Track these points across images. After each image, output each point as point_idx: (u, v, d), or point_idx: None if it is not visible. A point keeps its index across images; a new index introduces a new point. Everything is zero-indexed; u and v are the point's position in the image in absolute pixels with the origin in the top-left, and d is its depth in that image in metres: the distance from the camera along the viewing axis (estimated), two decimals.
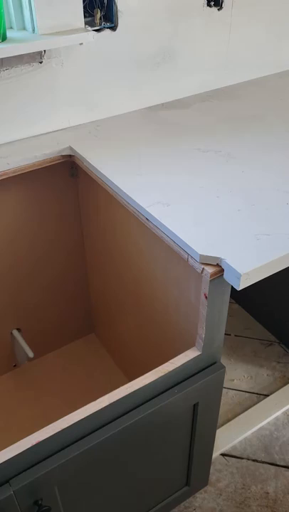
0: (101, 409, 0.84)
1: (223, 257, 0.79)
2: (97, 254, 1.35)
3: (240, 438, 1.51)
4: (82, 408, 0.85)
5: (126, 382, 1.52)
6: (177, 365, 0.90)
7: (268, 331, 1.85)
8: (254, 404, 1.60)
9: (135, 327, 1.30)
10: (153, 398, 0.91)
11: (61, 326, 1.59)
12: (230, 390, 1.65)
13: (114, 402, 0.85)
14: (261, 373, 1.71)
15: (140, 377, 0.88)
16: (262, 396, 1.63)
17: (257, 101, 1.36)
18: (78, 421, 0.83)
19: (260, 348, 1.80)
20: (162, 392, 0.92)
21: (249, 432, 1.53)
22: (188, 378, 0.94)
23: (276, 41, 1.48)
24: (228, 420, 1.55)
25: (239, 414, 1.57)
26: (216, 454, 1.47)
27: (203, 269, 0.81)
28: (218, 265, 0.80)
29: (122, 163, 1.07)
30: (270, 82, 1.48)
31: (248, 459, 1.47)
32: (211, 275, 0.80)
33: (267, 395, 1.63)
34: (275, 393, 1.63)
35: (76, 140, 1.17)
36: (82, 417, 0.83)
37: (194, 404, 0.99)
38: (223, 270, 0.80)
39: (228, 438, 1.50)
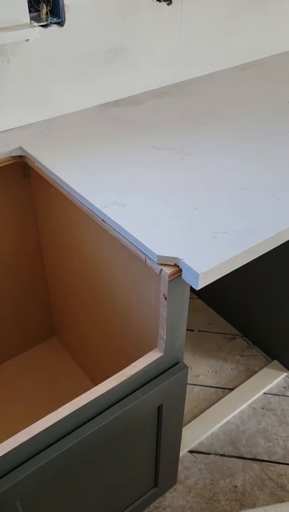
0: (62, 418, 0.81)
1: (180, 257, 0.78)
2: (55, 256, 1.32)
3: (207, 434, 1.52)
4: (43, 419, 0.82)
5: (91, 386, 1.51)
6: (139, 368, 0.88)
7: (231, 324, 1.87)
8: (220, 399, 1.61)
9: (97, 329, 1.28)
10: (116, 403, 0.89)
11: (20, 331, 1.54)
12: (196, 386, 1.65)
13: (75, 410, 0.82)
14: (226, 367, 1.72)
15: (102, 383, 0.86)
16: (227, 390, 1.64)
17: (210, 97, 1.35)
18: (39, 432, 0.80)
19: (223, 342, 1.81)
20: (125, 397, 0.90)
21: (216, 427, 1.54)
22: (151, 381, 0.93)
23: (227, 36, 1.48)
24: (195, 416, 1.56)
25: (205, 409, 1.58)
26: (183, 451, 1.46)
27: (161, 270, 0.79)
28: (176, 265, 0.79)
29: (75, 162, 1.04)
30: (222, 78, 1.48)
31: (216, 454, 1.48)
32: (170, 276, 0.78)
33: (232, 389, 1.64)
34: (240, 386, 1.64)
35: (27, 140, 1.13)
36: (43, 428, 0.80)
37: (159, 406, 0.97)
38: (181, 270, 0.79)
39: (195, 434, 1.51)
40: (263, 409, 1.60)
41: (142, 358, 0.90)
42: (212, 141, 1.13)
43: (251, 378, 1.67)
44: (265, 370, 1.69)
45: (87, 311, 1.28)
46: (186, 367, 0.95)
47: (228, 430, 1.54)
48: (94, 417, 0.87)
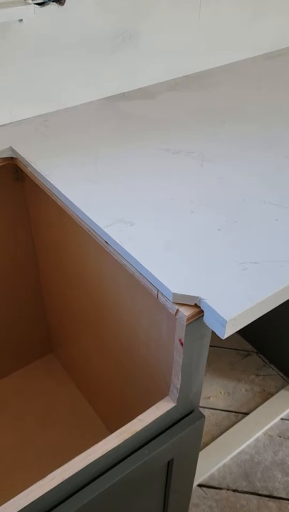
0: (52, 489, 0.66)
1: (202, 297, 0.62)
2: (52, 271, 1.16)
3: (219, 465, 1.37)
4: (32, 487, 0.67)
5: (89, 410, 1.35)
6: (147, 423, 0.72)
7: (245, 339, 1.72)
8: (232, 425, 1.46)
9: (98, 353, 1.12)
10: (117, 464, 0.74)
11: (13, 347, 1.39)
12: (206, 409, 1.51)
13: (68, 478, 0.67)
14: (239, 388, 1.57)
15: (101, 442, 0.70)
16: (240, 414, 1.49)
17: (232, 90, 1.18)
18: (25, 507, 0.65)
19: (236, 359, 1.66)
20: (129, 455, 0.75)
21: (228, 458, 1.39)
22: (160, 434, 0.77)
23: (251, 21, 1.30)
24: (205, 445, 1.41)
25: (217, 437, 1.43)
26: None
27: (177, 310, 0.63)
28: (196, 305, 0.63)
29: (74, 168, 0.88)
30: (244, 68, 1.30)
31: (228, 489, 1.33)
32: (188, 319, 0.63)
33: (246, 413, 1.49)
34: (255, 411, 1.49)
35: (19, 139, 0.97)
36: (28, 503, 0.65)
37: (168, 461, 0.82)
38: (202, 312, 0.63)
39: (205, 466, 1.36)
40: (280, 437, 1.45)
41: (151, 408, 0.74)
42: (236, 143, 0.96)
43: (267, 402, 1.52)
44: (283, 393, 1.54)
45: (88, 333, 1.12)
46: (203, 416, 0.80)
47: (242, 461, 1.39)
48: (89, 483, 0.71)
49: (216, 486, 1.34)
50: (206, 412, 1.50)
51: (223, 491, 1.33)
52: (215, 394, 1.55)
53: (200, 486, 1.34)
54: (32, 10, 0.88)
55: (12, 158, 0.95)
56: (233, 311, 0.60)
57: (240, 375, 1.60)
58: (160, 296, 0.66)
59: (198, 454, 0.87)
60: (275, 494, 1.32)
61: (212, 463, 1.37)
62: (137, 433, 0.72)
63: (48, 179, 0.84)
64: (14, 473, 1.22)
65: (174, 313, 0.64)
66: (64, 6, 0.97)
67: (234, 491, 1.33)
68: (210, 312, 0.61)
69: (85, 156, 0.91)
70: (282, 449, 1.42)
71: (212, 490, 1.33)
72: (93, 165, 0.88)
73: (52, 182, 0.83)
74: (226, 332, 0.60)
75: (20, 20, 0.92)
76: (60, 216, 0.95)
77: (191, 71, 1.27)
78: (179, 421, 0.79)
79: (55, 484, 0.66)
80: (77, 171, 0.87)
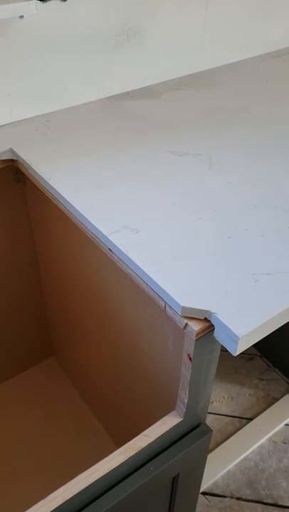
0: (55, 508, 0.64)
1: (213, 311, 0.58)
2: (53, 274, 1.13)
3: (223, 472, 1.34)
4: (34, 507, 0.64)
5: (91, 416, 1.33)
6: (153, 439, 0.70)
7: None
8: (236, 431, 1.43)
9: (101, 359, 1.09)
10: (122, 481, 0.71)
11: (12, 351, 1.36)
12: (210, 415, 1.48)
13: (70, 497, 0.64)
14: (243, 393, 1.54)
15: (104, 460, 0.67)
16: (244, 420, 1.46)
17: (240, 89, 1.15)
18: None
19: (240, 362, 1.63)
20: (134, 472, 0.72)
21: (232, 465, 1.36)
22: (166, 449, 0.74)
23: (259, 19, 1.27)
24: (209, 451, 1.38)
25: (220, 443, 1.40)
26: None
27: (186, 324, 0.60)
28: (206, 319, 0.60)
29: (77, 171, 0.84)
30: (252, 66, 1.27)
31: (232, 497, 1.30)
32: (197, 333, 0.59)
33: (250, 419, 1.46)
34: (259, 416, 1.47)
35: (19, 140, 0.93)
36: None
37: (174, 476, 0.79)
38: (212, 326, 0.60)
39: (209, 473, 1.33)
40: (284, 443, 1.42)
41: (157, 424, 0.71)
42: (245, 145, 0.92)
43: (272, 407, 1.49)
44: (287, 398, 1.52)
45: (90, 338, 1.10)
46: (210, 430, 0.77)
47: (246, 468, 1.36)
48: (92, 501, 0.69)
49: (220, 493, 1.31)
50: (209, 418, 1.47)
51: (227, 499, 1.30)
52: (218, 398, 1.53)
53: (203, 493, 1.31)
54: (33, 6, 0.84)
55: (12, 160, 0.92)
56: (246, 326, 0.57)
57: (243, 380, 1.58)
58: (168, 308, 0.63)
59: (204, 468, 0.84)
60: (280, 503, 1.29)
61: (216, 470, 1.35)
62: (143, 449, 0.69)
63: (50, 183, 0.80)
64: (14, 480, 1.19)
65: (183, 327, 0.61)
66: (66, 1, 0.94)
67: (238, 499, 1.30)
68: (221, 327, 0.58)
69: (87, 158, 0.88)
70: (286, 455, 1.39)
71: (216, 498, 1.30)
72: (96, 168, 0.85)
73: (54, 186, 0.80)
74: (238, 349, 0.57)
75: (22, 16, 0.88)
76: (62, 220, 0.92)
77: (196, 69, 1.23)
78: (185, 435, 0.76)
79: (58, 504, 0.64)
80: (79, 174, 0.83)
